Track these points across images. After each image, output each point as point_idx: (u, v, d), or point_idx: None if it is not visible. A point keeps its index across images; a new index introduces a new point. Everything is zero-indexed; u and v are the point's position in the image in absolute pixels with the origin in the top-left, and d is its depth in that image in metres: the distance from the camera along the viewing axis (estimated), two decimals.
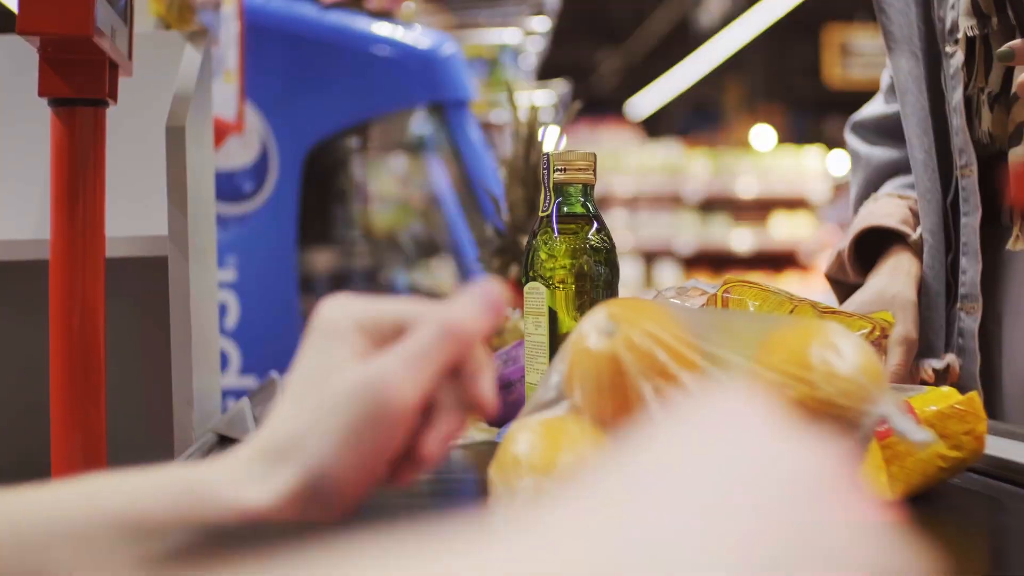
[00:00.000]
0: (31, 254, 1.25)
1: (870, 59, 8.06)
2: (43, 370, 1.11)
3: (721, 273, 7.35)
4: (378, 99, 2.28)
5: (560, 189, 0.99)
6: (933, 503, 0.91)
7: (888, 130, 1.32)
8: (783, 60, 11.26)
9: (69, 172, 1.07)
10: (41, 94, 1.06)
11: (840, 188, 9.15)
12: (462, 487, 1.14)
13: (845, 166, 10.67)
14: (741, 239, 7.59)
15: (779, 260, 7.49)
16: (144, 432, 1.21)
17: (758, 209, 7.65)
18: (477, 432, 1.28)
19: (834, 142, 12.05)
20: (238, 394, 1.94)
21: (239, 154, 2.08)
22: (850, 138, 1.40)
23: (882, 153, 1.31)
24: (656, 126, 13.22)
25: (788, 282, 7.30)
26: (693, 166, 7.55)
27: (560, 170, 0.99)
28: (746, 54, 9.92)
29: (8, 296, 1.31)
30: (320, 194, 2.40)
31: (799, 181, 7.67)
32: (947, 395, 0.94)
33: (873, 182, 1.32)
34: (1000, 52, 1.00)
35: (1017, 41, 0.95)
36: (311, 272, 2.40)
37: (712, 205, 7.62)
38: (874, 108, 1.37)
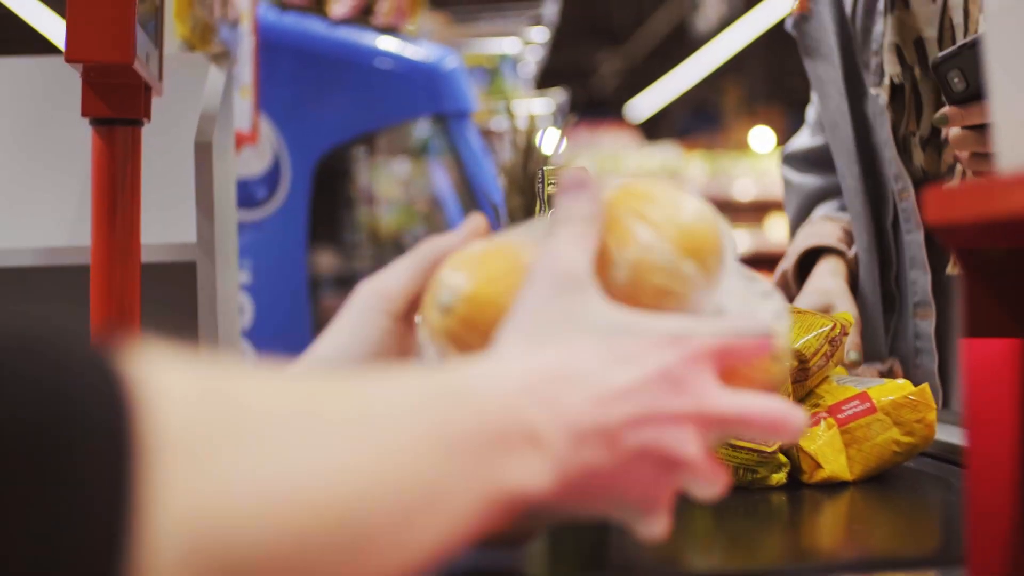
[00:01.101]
0: (69, 260, 1.36)
1: None
2: None
3: None
4: (384, 111, 2.40)
5: (554, 202, 1.09)
6: (889, 483, 1.02)
7: (816, 160, 1.49)
8: (782, 62, 11.34)
9: (108, 185, 1.17)
10: (84, 114, 1.16)
11: None
12: None
13: None
14: (738, 241, 7.70)
15: (775, 261, 7.56)
16: None
17: (755, 211, 7.76)
18: None
19: None
20: None
21: (253, 163, 2.19)
22: (783, 169, 1.58)
23: (812, 181, 1.49)
24: (656, 128, 13.29)
25: None
26: (690, 169, 7.66)
27: (554, 184, 1.09)
28: (745, 56, 10.01)
29: (47, 297, 1.42)
30: (329, 200, 2.51)
31: None
32: (902, 387, 1.05)
33: (806, 207, 1.50)
34: (936, 118, 1.12)
35: (949, 108, 1.06)
36: (320, 274, 2.51)
37: None
38: (802, 141, 1.55)
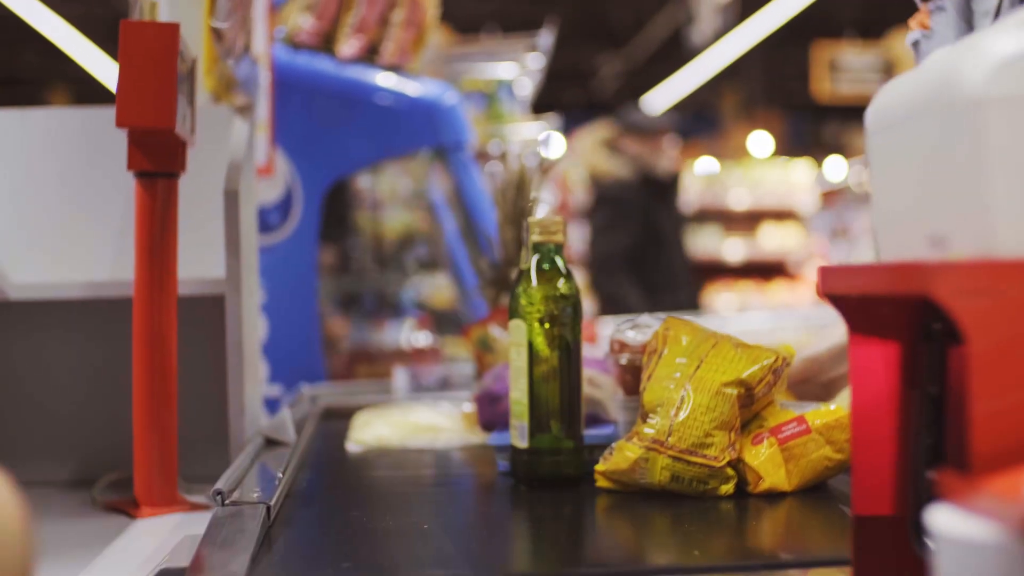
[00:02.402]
0: (110, 292, 1.52)
1: (858, 75, 8.31)
2: (123, 385, 1.38)
3: (713, 281, 7.60)
4: (389, 143, 2.57)
5: (537, 247, 1.26)
6: (822, 493, 1.19)
7: None
8: (781, 67, 11.43)
9: (149, 229, 1.34)
10: (129, 168, 1.33)
11: (828, 197, 9.40)
12: (461, 481, 1.41)
13: (840, 173, 10.79)
14: (732, 249, 7.85)
15: (768, 269, 7.75)
16: (206, 434, 1.47)
17: (749, 220, 7.92)
18: (472, 436, 1.56)
19: (831, 148, 12.28)
20: (268, 401, 2.21)
21: (268, 192, 2.36)
22: None
23: None
24: None
25: (776, 291, 7.57)
26: (687, 179, 7.81)
27: (537, 233, 1.27)
28: (743, 61, 10.09)
29: (89, 325, 1.58)
30: (337, 225, 2.69)
31: (788, 193, 7.94)
32: (834, 411, 1.22)
33: None
34: None
35: None
36: (329, 293, 2.69)
37: (704, 216, 7.88)
38: None
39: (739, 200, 7.95)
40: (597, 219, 4.70)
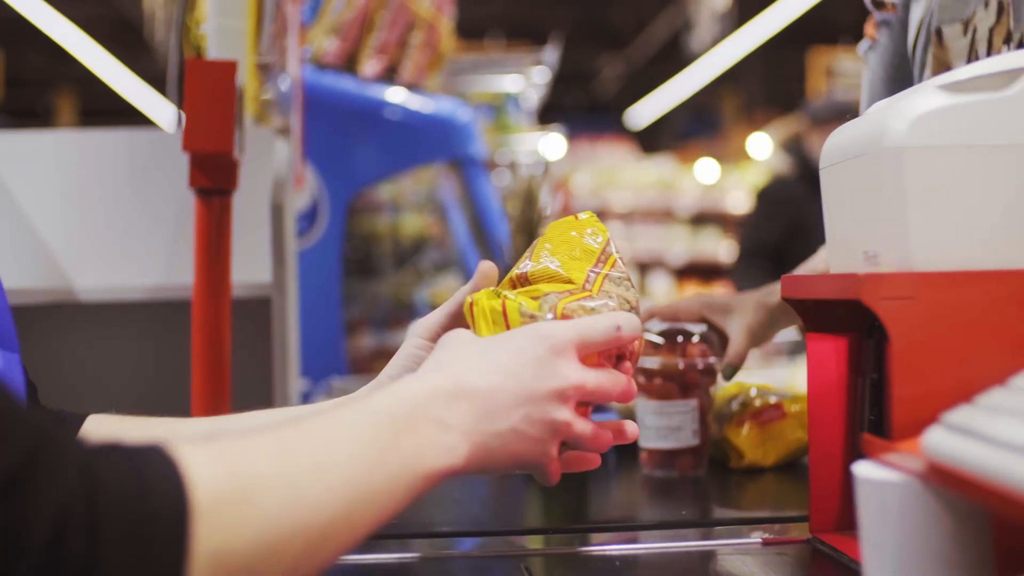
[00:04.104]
0: (166, 295, 1.71)
1: (854, 80, 8.48)
2: (175, 377, 1.56)
3: (710, 283, 7.79)
4: (407, 156, 2.77)
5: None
6: (795, 468, 1.38)
7: None
8: (780, 68, 11.53)
9: (207, 239, 1.52)
10: (190, 186, 1.51)
11: None
12: None
13: None
14: (730, 251, 8.03)
15: None
16: None
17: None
18: None
19: None
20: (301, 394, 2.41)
21: (297, 201, 2.55)
22: None
23: None
24: (656, 132, 13.45)
25: None
26: (685, 182, 7.98)
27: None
28: (743, 63, 10.20)
29: (150, 324, 1.77)
30: (358, 231, 2.89)
31: None
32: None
33: None
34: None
35: None
36: (351, 294, 2.88)
37: (703, 219, 8.06)
38: None
39: (736, 204, 8.12)
40: (748, 218, 4.58)
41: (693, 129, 12.89)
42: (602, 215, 7.80)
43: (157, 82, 11.22)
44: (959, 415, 0.70)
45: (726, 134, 12.08)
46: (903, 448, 0.77)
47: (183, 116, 1.46)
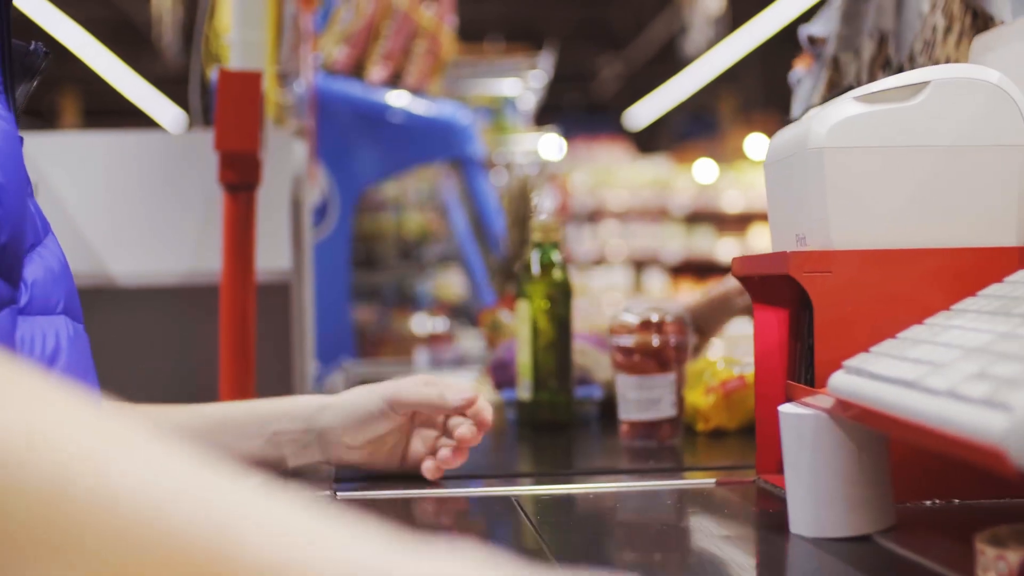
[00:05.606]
0: (195, 280, 1.89)
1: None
2: (201, 357, 1.74)
3: (705, 280, 7.96)
4: (411, 155, 2.97)
5: (539, 245, 1.63)
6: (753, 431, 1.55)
7: None
8: (778, 70, 11.63)
9: (234, 230, 1.71)
10: (220, 181, 1.69)
11: None
12: None
13: None
14: (725, 249, 8.21)
15: None
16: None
17: (741, 222, 8.27)
18: (489, 392, 1.93)
19: None
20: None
21: (309, 196, 2.75)
22: None
23: None
24: (654, 133, 13.56)
25: None
26: (680, 181, 8.16)
27: (539, 234, 1.64)
28: (741, 65, 10.33)
29: (181, 306, 1.96)
30: (365, 229, 3.08)
31: None
32: None
33: None
34: None
35: None
36: (358, 284, 3.08)
37: (697, 217, 8.24)
38: None
39: (732, 203, 8.30)
40: None
41: (691, 130, 13.00)
42: (598, 213, 8.00)
43: (160, 83, 11.40)
44: (856, 360, 0.89)
45: (724, 135, 12.19)
46: (817, 391, 0.95)
47: (212, 120, 1.64)
